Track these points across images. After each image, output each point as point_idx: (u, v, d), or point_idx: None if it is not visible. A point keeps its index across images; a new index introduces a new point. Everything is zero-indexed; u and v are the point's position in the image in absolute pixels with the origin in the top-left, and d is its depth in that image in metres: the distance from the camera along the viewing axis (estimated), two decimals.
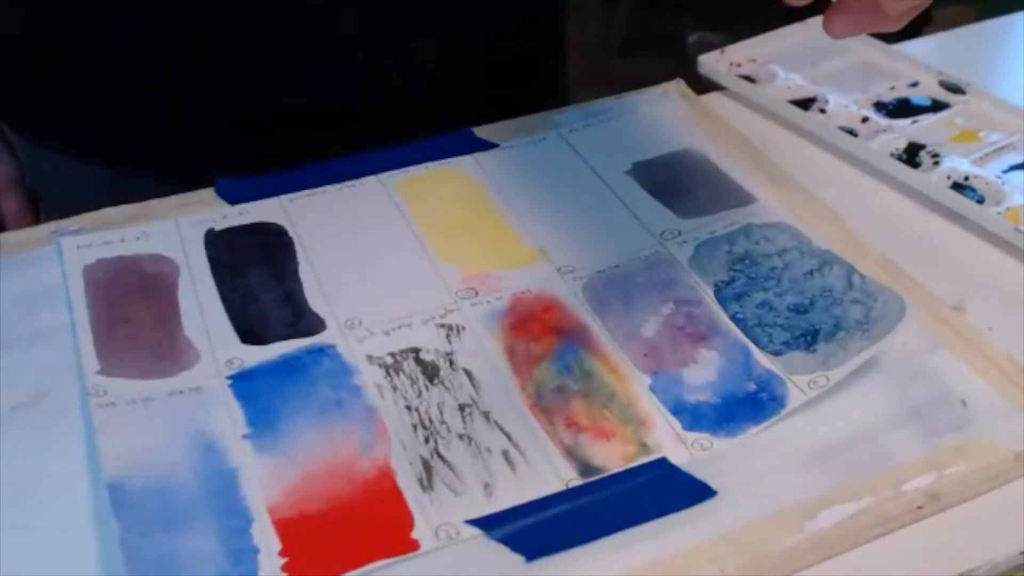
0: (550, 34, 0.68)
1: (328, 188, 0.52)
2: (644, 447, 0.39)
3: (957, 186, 0.52)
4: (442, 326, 0.44)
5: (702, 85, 0.62)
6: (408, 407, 0.41)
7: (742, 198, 0.51)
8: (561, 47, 0.69)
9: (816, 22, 0.66)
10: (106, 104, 0.56)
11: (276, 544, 0.36)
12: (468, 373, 0.42)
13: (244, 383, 0.41)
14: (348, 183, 0.52)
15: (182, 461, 0.38)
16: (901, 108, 0.59)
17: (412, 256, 0.48)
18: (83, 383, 0.41)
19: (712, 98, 0.61)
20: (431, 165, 0.54)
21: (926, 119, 0.58)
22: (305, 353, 0.43)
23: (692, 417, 0.40)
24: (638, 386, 0.42)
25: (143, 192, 0.51)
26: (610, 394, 0.41)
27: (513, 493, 0.38)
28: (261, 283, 0.46)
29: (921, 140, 0.56)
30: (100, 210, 0.50)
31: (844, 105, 0.59)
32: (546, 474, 0.38)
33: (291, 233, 0.49)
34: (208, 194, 0.51)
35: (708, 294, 0.46)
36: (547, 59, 0.68)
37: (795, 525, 0.37)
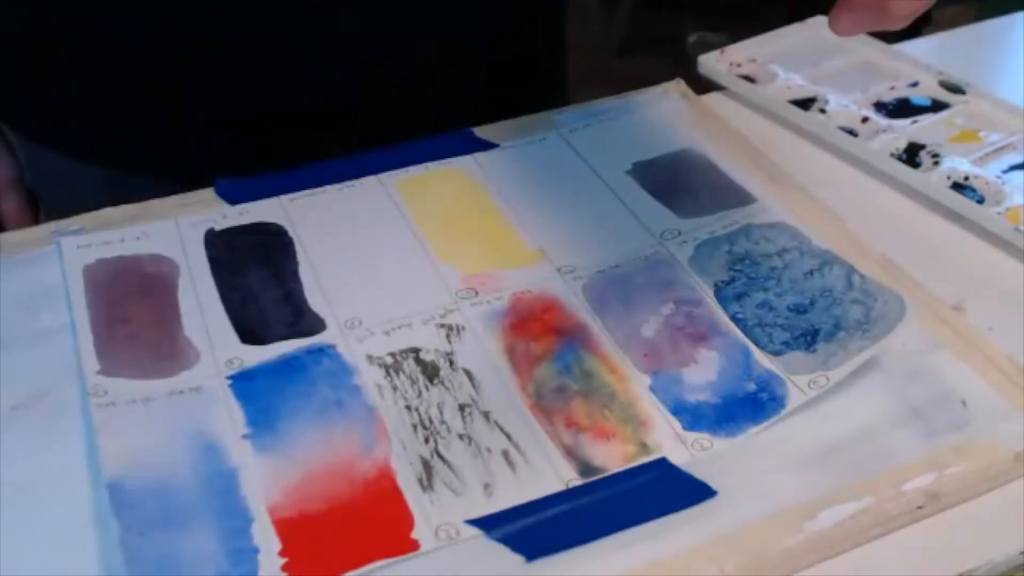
0: (550, 34, 0.68)
1: (328, 188, 0.52)
2: (644, 447, 0.39)
3: (957, 186, 0.52)
4: (442, 326, 0.44)
5: (702, 85, 0.62)
6: (408, 407, 0.41)
7: (742, 198, 0.51)
8: (561, 47, 0.69)
9: (816, 22, 0.67)
10: (106, 104, 0.56)
11: (276, 544, 0.36)
12: (468, 373, 0.42)
13: (244, 383, 0.41)
14: (348, 183, 0.52)
15: (182, 461, 0.38)
16: (901, 108, 0.59)
17: (412, 256, 0.48)
18: (83, 383, 0.41)
19: (712, 98, 0.61)
20: (431, 165, 0.54)
21: (926, 119, 0.58)
22: (305, 353, 0.43)
23: (692, 417, 0.40)
24: (638, 386, 0.42)
25: (143, 192, 0.51)
26: (610, 394, 0.41)
27: (513, 493, 0.38)
28: (261, 283, 0.46)
29: (921, 140, 0.56)
30: (100, 210, 0.50)
31: (844, 105, 0.59)
32: (546, 474, 0.38)
33: (291, 233, 0.49)
34: (208, 194, 0.51)
35: (708, 294, 0.46)
36: (547, 59, 0.68)
37: (795, 525, 0.37)
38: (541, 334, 0.44)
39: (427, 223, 0.50)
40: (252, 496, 0.37)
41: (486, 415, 0.40)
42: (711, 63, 0.63)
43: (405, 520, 0.36)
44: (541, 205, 0.51)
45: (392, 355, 0.43)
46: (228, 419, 0.40)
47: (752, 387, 0.41)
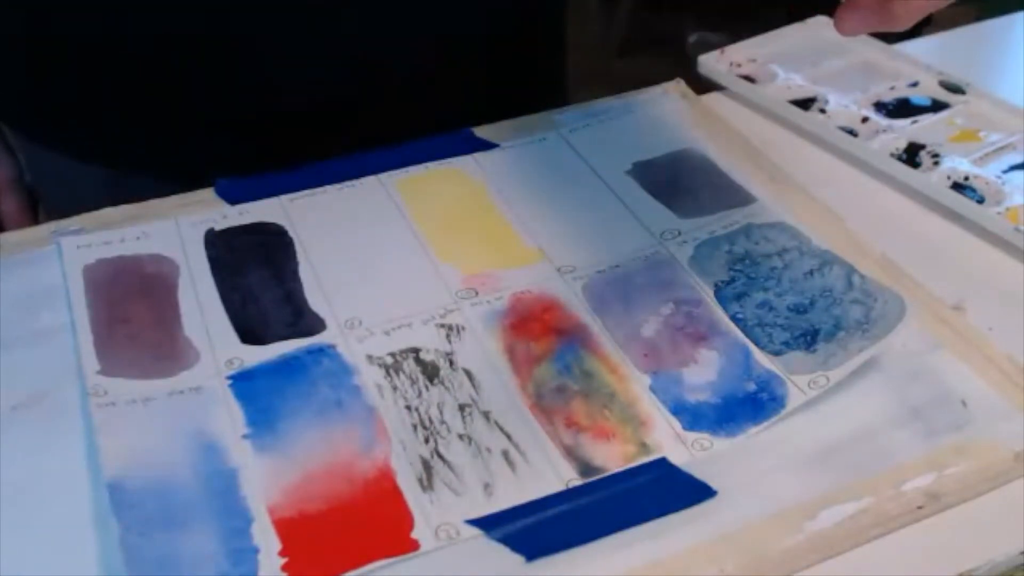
0: (550, 34, 0.68)
1: (328, 188, 0.52)
2: (644, 447, 0.39)
3: (957, 186, 0.52)
4: (442, 326, 0.44)
5: (702, 85, 0.62)
6: (408, 407, 0.41)
7: (742, 198, 0.51)
8: (561, 47, 0.69)
9: (816, 22, 0.67)
10: (106, 104, 0.56)
11: (276, 544, 0.36)
12: (468, 373, 0.42)
13: (244, 383, 0.41)
14: (348, 183, 0.52)
15: (182, 461, 0.38)
16: (901, 108, 0.59)
17: (412, 256, 0.48)
18: (83, 383, 0.41)
19: (712, 98, 0.61)
20: (431, 165, 0.54)
21: (926, 119, 0.58)
22: (305, 353, 0.43)
23: (692, 417, 0.40)
24: (638, 386, 0.42)
25: (143, 192, 0.51)
26: (610, 394, 0.41)
27: (513, 493, 0.38)
28: (261, 283, 0.46)
29: (921, 140, 0.56)
30: (100, 210, 0.50)
31: (844, 105, 0.59)
32: (546, 474, 0.38)
33: (291, 233, 0.49)
34: (208, 194, 0.51)
35: (708, 294, 0.46)
36: (547, 59, 0.68)
37: (795, 525, 0.37)
38: (541, 334, 0.44)
39: (427, 223, 0.50)
40: (252, 496, 0.37)
41: (486, 415, 0.40)
42: (711, 63, 0.63)
43: (405, 520, 0.36)
44: (541, 205, 0.51)
45: (392, 355, 0.43)
46: (228, 419, 0.40)
47: (752, 387, 0.41)
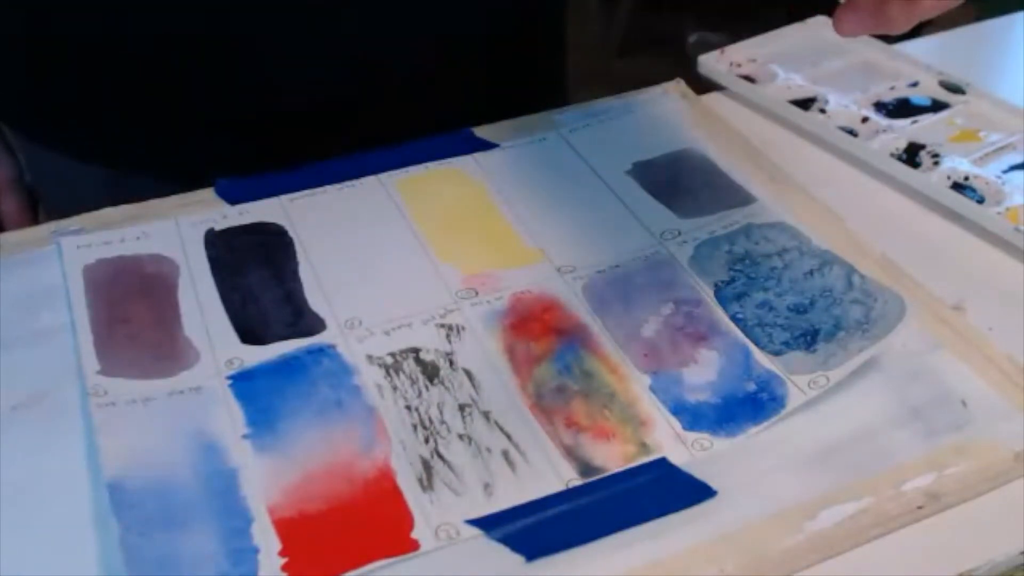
0: (550, 34, 0.68)
1: (328, 188, 0.52)
2: (644, 447, 0.39)
3: (957, 186, 0.52)
4: (442, 326, 0.44)
5: (702, 85, 0.62)
6: (408, 407, 0.41)
7: (742, 198, 0.51)
8: (561, 47, 0.69)
9: (816, 22, 0.67)
10: (106, 104, 0.56)
11: (276, 544, 0.36)
12: (468, 373, 0.42)
13: (244, 383, 0.41)
14: (348, 183, 0.52)
15: (182, 461, 0.38)
16: (901, 108, 0.59)
17: (412, 256, 0.48)
18: (83, 383, 0.41)
19: (712, 98, 0.61)
20: (431, 165, 0.54)
21: (926, 119, 0.58)
22: (305, 353, 0.43)
23: (692, 417, 0.40)
24: (638, 386, 0.42)
25: (143, 192, 0.51)
26: (610, 394, 0.41)
27: (513, 493, 0.38)
28: (261, 283, 0.46)
29: (921, 140, 0.56)
30: (100, 210, 0.50)
31: (844, 105, 0.59)
32: (546, 474, 0.38)
33: (291, 233, 0.49)
34: (208, 194, 0.51)
35: (708, 294, 0.46)
36: (547, 59, 0.68)
37: (795, 525, 0.37)
38: (541, 334, 0.44)
39: (427, 223, 0.50)
40: (252, 496, 0.37)
41: (486, 415, 0.40)
42: (711, 63, 0.63)
43: (405, 520, 0.36)
44: (541, 205, 0.51)
45: (392, 355, 0.43)
46: (228, 419, 0.40)
47: (752, 387, 0.41)
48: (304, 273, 0.47)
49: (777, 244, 0.48)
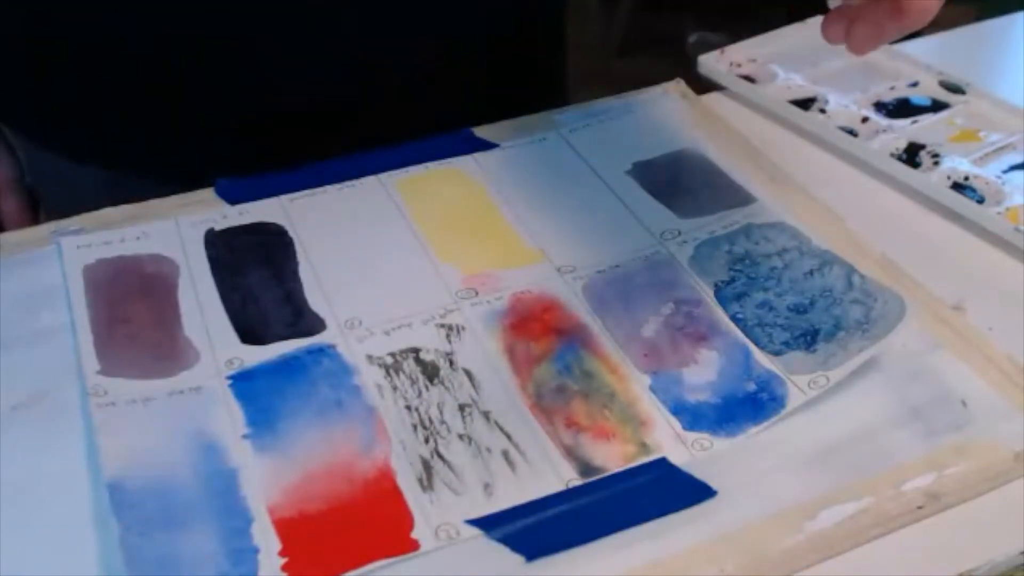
0: (550, 34, 0.68)
1: (328, 188, 0.52)
2: (644, 447, 0.39)
3: (957, 186, 0.52)
4: (442, 326, 0.44)
5: (702, 85, 0.62)
6: (408, 407, 0.41)
7: (742, 198, 0.51)
8: (561, 47, 0.69)
9: (816, 22, 0.66)
10: (106, 104, 0.56)
11: (276, 544, 0.36)
12: (468, 373, 0.42)
13: (244, 383, 0.41)
14: (348, 183, 0.52)
15: (182, 461, 0.38)
16: (901, 108, 0.59)
17: (412, 256, 0.48)
18: (83, 383, 0.41)
19: (712, 98, 0.61)
20: (431, 165, 0.54)
21: (926, 119, 0.58)
22: (305, 353, 0.43)
23: (692, 417, 0.40)
24: (638, 386, 0.42)
25: (143, 192, 0.51)
26: (610, 394, 0.41)
27: (513, 493, 0.38)
28: (261, 283, 0.46)
29: (921, 140, 0.56)
30: (100, 210, 0.50)
31: (844, 105, 0.59)
32: (546, 474, 0.38)
33: (291, 233, 0.49)
34: (208, 194, 0.51)
35: (708, 294, 0.46)
36: (547, 59, 0.68)
37: (795, 525, 0.37)
38: (541, 334, 0.44)
39: (427, 223, 0.50)
40: (252, 496, 0.37)
41: (486, 415, 0.40)
42: (711, 63, 0.63)
43: (405, 520, 0.36)
44: (541, 205, 0.51)
45: (392, 355, 0.43)
46: (228, 419, 0.40)
47: (752, 387, 0.41)
48: (304, 273, 0.47)
49: (777, 244, 0.48)
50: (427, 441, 0.39)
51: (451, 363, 0.43)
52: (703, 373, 0.42)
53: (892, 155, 0.55)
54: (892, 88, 0.61)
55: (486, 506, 0.37)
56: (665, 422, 0.40)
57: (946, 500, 0.38)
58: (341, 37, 0.55)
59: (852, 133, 0.56)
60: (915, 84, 0.61)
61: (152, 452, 0.38)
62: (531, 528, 0.36)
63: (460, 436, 0.40)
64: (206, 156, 0.54)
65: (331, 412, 0.40)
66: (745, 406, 0.41)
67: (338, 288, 0.46)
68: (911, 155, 0.55)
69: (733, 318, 0.44)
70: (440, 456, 0.39)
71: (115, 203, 0.50)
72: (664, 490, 0.38)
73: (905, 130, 0.57)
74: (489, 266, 0.47)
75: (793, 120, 0.58)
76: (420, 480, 0.38)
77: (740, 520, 0.37)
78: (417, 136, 0.55)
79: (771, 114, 0.60)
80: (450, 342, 0.43)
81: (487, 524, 0.36)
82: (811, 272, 0.46)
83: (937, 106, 0.59)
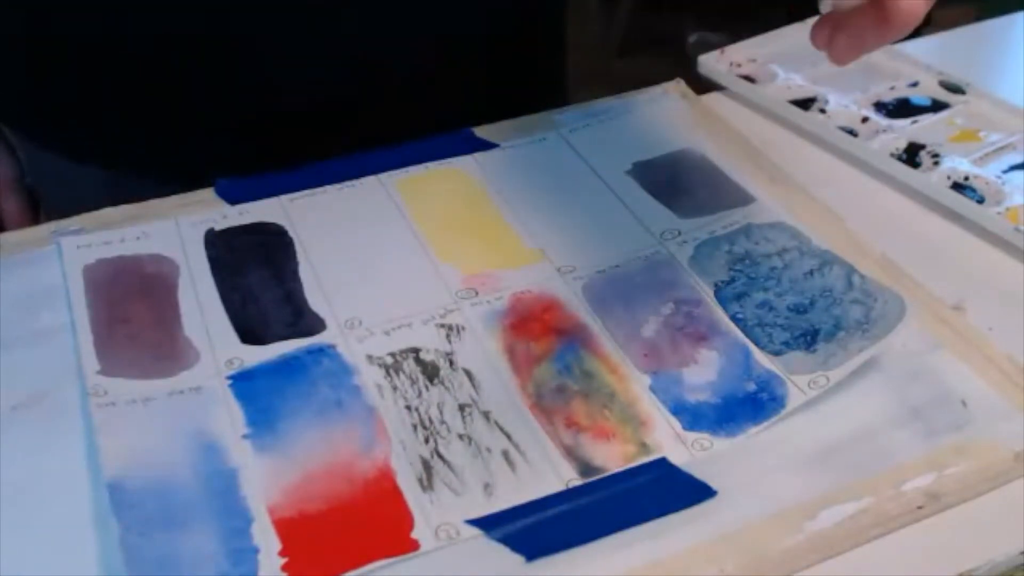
0: (550, 34, 0.68)
1: (328, 188, 0.52)
2: (644, 447, 0.39)
3: (957, 186, 0.52)
4: (442, 326, 0.44)
5: (702, 85, 0.62)
6: (408, 407, 0.41)
7: (742, 198, 0.51)
8: (561, 47, 0.69)
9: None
10: (106, 104, 0.56)
11: (276, 544, 0.36)
12: (468, 373, 0.42)
13: (244, 383, 0.41)
14: (348, 183, 0.52)
15: (182, 461, 0.38)
16: (901, 108, 0.59)
17: (412, 256, 0.48)
18: (83, 383, 0.41)
19: (712, 98, 0.61)
20: (431, 165, 0.54)
21: (926, 119, 0.58)
22: (305, 353, 0.43)
23: (692, 417, 0.40)
24: (638, 386, 0.42)
25: (143, 192, 0.51)
26: (610, 394, 0.41)
27: (513, 493, 0.38)
28: (261, 283, 0.46)
29: (921, 140, 0.56)
30: (100, 210, 0.50)
31: (844, 105, 0.59)
32: (546, 474, 0.38)
33: (291, 233, 0.49)
34: (208, 194, 0.51)
35: (708, 294, 0.46)
36: (547, 59, 0.68)
37: (795, 525, 0.37)
38: (541, 334, 0.44)
39: (427, 223, 0.50)
40: (252, 496, 0.37)
41: (486, 415, 0.40)
42: (711, 63, 0.63)
43: (405, 520, 0.36)
44: (541, 205, 0.51)
45: (392, 355, 0.43)
46: (228, 419, 0.40)
47: (752, 387, 0.41)
48: (304, 273, 0.47)
49: (777, 244, 0.48)
50: (427, 441, 0.39)
51: (451, 363, 0.43)
52: (703, 373, 0.42)
53: (892, 155, 0.55)
54: (892, 88, 0.61)
55: (486, 506, 0.37)
56: (665, 422, 0.40)
57: (946, 500, 0.38)
58: (341, 37, 0.55)
59: (852, 133, 0.56)
60: (915, 84, 0.61)
61: (152, 452, 0.38)
62: (531, 528, 0.36)
63: (460, 436, 0.40)
64: (206, 156, 0.54)
65: (331, 412, 0.40)
66: (745, 406, 0.41)
67: (338, 288, 0.46)
68: (911, 155, 0.55)
69: (733, 318, 0.44)
70: (440, 456, 0.39)
71: (115, 203, 0.50)
72: (664, 490, 0.38)
73: (905, 130, 0.57)
74: (489, 266, 0.47)
75: (793, 120, 0.58)
76: (420, 480, 0.38)
77: (740, 520, 0.37)
78: (417, 136, 0.55)
79: (771, 114, 0.60)
80: (450, 342, 0.43)
81: (487, 524, 0.36)
82: (811, 272, 0.46)
83: (937, 106, 0.59)
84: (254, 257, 0.48)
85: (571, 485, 0.38)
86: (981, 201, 0.51)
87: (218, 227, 0.49)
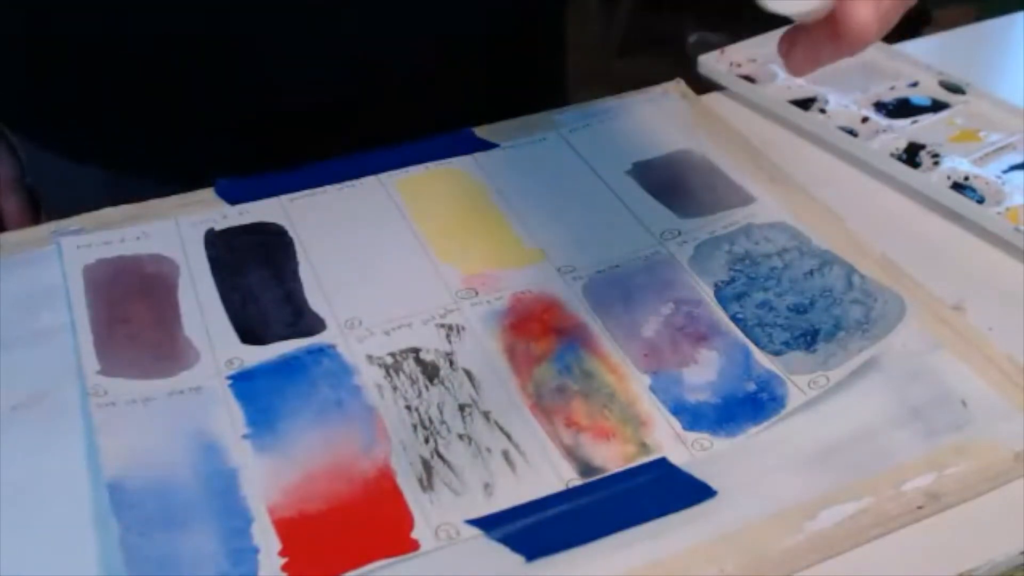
0: (550, 34, 0.68)
1: (328, 188, 0.52)
2: (644, 447, 0.39)
3: (957, 186, 0.52)
4: (442, 326, 0.44)
5: (702, 85, 0.62)
6: (408, 407, 0.41)
7: (742, 198, 0.51)
8: (561, 47, 0.69)
9: None
10: (106, 104, 0.56)
11: (276, 544, 0.36)
12: (468, 373, 0.42)
13: (244, 383, 0.41)
14: (348, 183, 0.52)
15: (182, 461, 0.38)
16: (901, 108, 0.59)
17: (412, 256, 0.48)
18: (83, 383, 0.41)
19: (712, 98, 0.61)
20: (431, 165, 0.54)
21: (926, 119, 0.58)
22: (305, 353, 0.43)
23: (692, 417, 0.40)
24: (638, 386, 0.42)
25: (143, 192, 0.51)
26: (610, 394, 0.41)
27: (513, 493, 0.38)
28: (261, 283, 0.46)
29: (921, 140, 0.56)
30: (100, 210, 0.50)
31: (844, 105, 0.59)
32: (546, 474, 0.38)
33: (291, 233, 0.49)
34: (208, 194, 0.51)
35: (708, 294, 0.46)
36: (547, 59, 0.68)
37: (795, 525, 0.37)
38: (541, 334, 0.44)
39: (427, 223, 0.50)
40: (252, 496, 0.37)
41: (486, 415, 0.40)
42: (711, 63, 0.63)
43: (405, 520, 0.36)
44: (541, 205, 0.51)
45: (392, 355, 0.43)
46: (228, 419, 0.40)
47: (752, 387, 0.41)
48: (304, 273, 0.47)
49: (777, 244, 0.48)
50: (427, 441, 0.39)
51: (451, 363, 0.43)
52: (703, 373, 0.42)
53: (892, 155, 0.55)
54: (892, 88, 0.61)
55: (486, 506, 0.37)
56: (665, 422, 0.40)
57: (946, 500, 0.38)
58: (341, 37, 0.55)
59: (852, 133, 0.56)
60: (915, 84, 0.61)
61: (152, 452, 0.38)
62: (531, 528, 0.36)
63: (460, 436, 0.40)
64: (206, 156, 0.54)
65: (331, 412, 0.40)
66: (745, 406, 0.41)
67: (338, 288, 0.46)
68: (911, 155, 0.55)
69: (733, 318, 0.44)
70: (440, 456, 0.39)
71: (115, 203, 0.50)
72: (664, 490, 0.38)
73: (905, 130, 0.57)
74: (489, 266, 0.47)
75: (793, 120, 0.58)
76: (420, 480, 0.38)
77: (740, 520, 0.37)
78: (417, 136, 0.55)
79: (771, 114, 0.60)
80: (450, 342, 0.43)
81: (487, 524, 0.36)
82: (811, 272, 0.46)
83: (937, 106, 0.59)
84: (254, 257, 0.48)
85: (571, 485, 0.38)
86: (981, 201, 0.51)
87: (218, 227, 0.49)
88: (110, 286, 0.46)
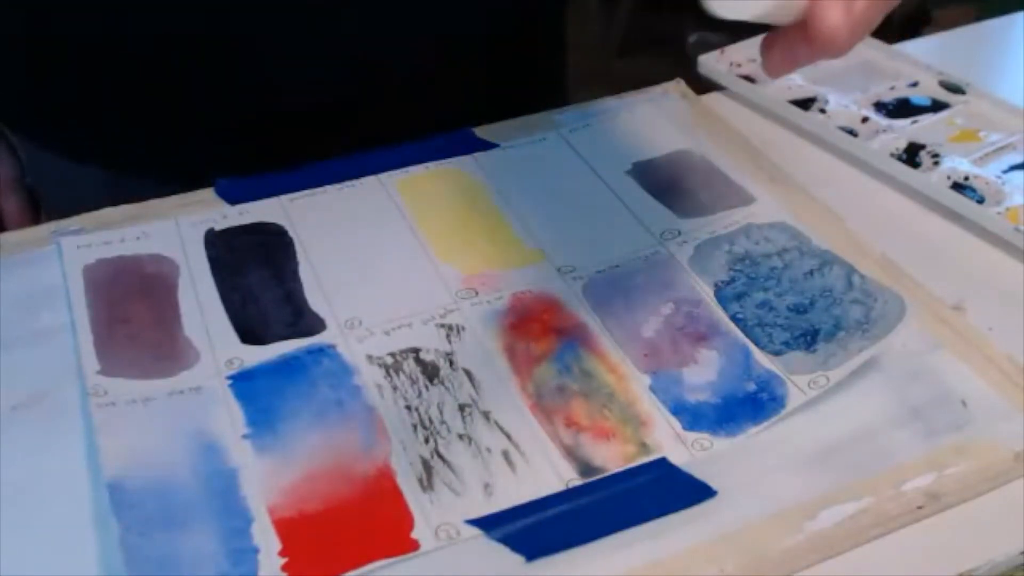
0: (550, 34, 0.68)
1: (328, 188, 0.52)
2: (644, 447, 0.39)
3: (957, 186, 0.52)
4: (442, 326, 0.44)
5: (702, 85, 0.62)
6: (408, 407, 0.41)
7: (742, 198, 0.51)
8: (561, 47, 0.69)
9: None
10: (106, 104, 0.56)
11: (276, 544, 0.35)
12: (468, 373, 0.42)
13: (244, 383, 0.41)
14: (348, 183, 0.52)
15: (182, 461, 0.38)
16: (901, 108, 0.59)
17: (412, 256, 0.48)
18: (83, 383, 0.41)
19: (712, 98, 0.61)
20: (431, 165, 0.54)
21: (926, 119, 0.58)
22: (305, 353, 0.43)
23: (692, 417, 0.40)
24: (638, 386, 0.42)
25: (143, 192, 0.51)
26: (610, 394, 0.41)
27: (513, 493, 0.38)
28: (261, 283, 0.46)
29: (921, 140, 0.56)
30: (100, 210, 0.50)
31: (844, 105, 0.59)
32: (546, 474, 0.38)
33: (291, 233, 0.49)
34: (208, 194, 0.51)
35: (708, 294, 0.46)
36: (547, 59, 0.68)
37: (795, 525, 0.37)
38: (541, 334, 0.44)
39: (427, 223, 0.50)
40: (252, 496, 0.37)
41: (486, 415, 0.40)
42: (711, 63, 0.63)
43: (405, 520, 0.36)
44: (541, 205, 0.51)
45: (392, 355, 0.43)
46: (228, 419, 0.40)
47: (752, 387, 0.41)
48: (304, 273, 0.47)
49: (777, 244, 0.48)
50: (427, 441, 0.39)
51: (451, 363, 0.43)
52: (703, 373, 0.42)
53: (892, 155, 0.55)
54: (892, 88, 0.61)
55: (486, 506, 0.37)
56: (665, 422, 0.40)
57: (946, 500, 0.38)
58: (341, 37, 0.55)
59: (852, 133, 0.56)
60: (915, 84, 0.61)
61: (152, 452, 0.39)
62: (531, 528, 0.36)
63: (460, 436, 0.40)
64: (206, 156, 0.54)
65: (331, 412, 0.40)
66: (745, 406, 0.41)
67: (338, 288, 0.46)
68: (911, 155, 0.55)
69: (733, 318, 0.44)
70: (440, 456, 0.39)
71: (115, 203, 0.50)
72: (664, 490, 0.38)
73: (905, 130, 0.57)
74: (489, 266, 0.47)
75: (793, 120, 0.58)
76: (420, 480, 0.38)
77: (740, 520, 0.37)
78: (417, 136, 0.55)
79: (771, 114, 0.60)
80: (450, 342, 0.43)
81: (487, 524, 0.36)
82: (811, 272, 0.46)
83: (937, 106, 0.59)
84: (254, 257, 0.48)
85: (571, 485, 0.38)
86: (981, 201, 0.51)
87: (218, 227, 0.49)
88: (110, 286, 0.46)
